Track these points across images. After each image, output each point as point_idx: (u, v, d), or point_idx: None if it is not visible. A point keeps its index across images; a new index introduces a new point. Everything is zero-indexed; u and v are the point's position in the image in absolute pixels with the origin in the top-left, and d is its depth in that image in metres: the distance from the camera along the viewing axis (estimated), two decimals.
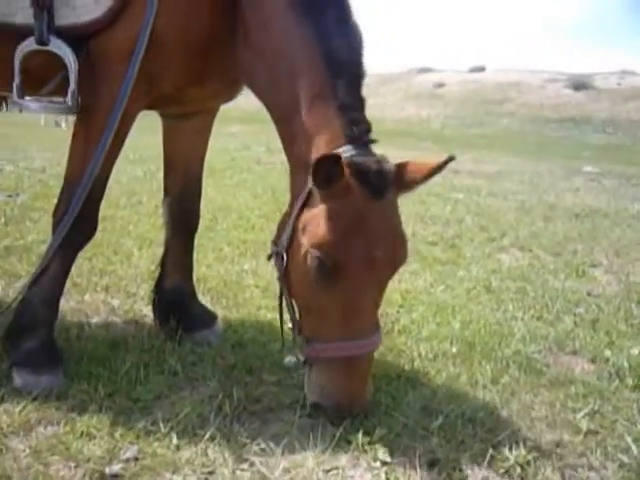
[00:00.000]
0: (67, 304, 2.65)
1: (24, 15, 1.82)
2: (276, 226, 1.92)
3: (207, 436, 1.75)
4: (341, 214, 1.70)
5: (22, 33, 1.83)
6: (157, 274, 2.54)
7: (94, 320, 2.61)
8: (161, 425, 1.78)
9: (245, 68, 1.99)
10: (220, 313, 2.69)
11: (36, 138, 11.09)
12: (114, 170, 2.02)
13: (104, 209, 2.15)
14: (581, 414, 2.03)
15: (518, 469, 1.71)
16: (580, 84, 29.18)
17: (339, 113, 1.77)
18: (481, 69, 35.08)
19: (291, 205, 1.86)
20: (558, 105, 27.43)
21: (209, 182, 4.71)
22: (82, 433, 1.73)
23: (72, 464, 1.60)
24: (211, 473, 1.62)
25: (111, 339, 2.37)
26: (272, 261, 1.94)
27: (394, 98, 31.17)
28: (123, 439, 1.72)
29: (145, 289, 2.91)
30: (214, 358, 2.27)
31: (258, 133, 13.71)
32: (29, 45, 1.84)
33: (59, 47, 1.83)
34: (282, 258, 1.84)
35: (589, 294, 3.48)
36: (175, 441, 1.72)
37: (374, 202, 1.71)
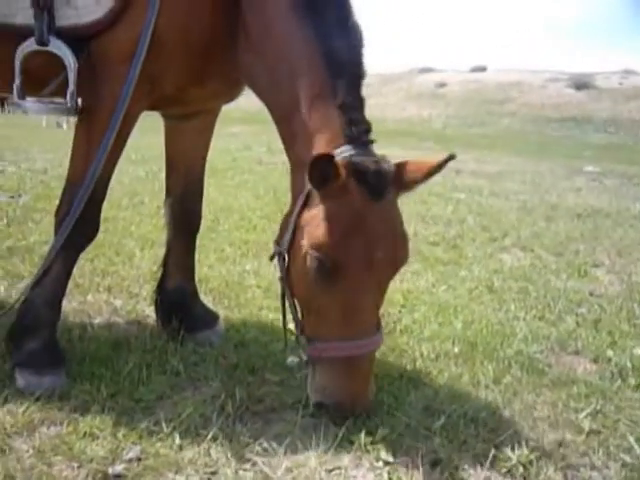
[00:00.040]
0: (69, 305, 2.65)
1: (24, 16, 1.82)
2: (278, 226, 1.92)
3: (210, 436, 1.75)
4: (340, 214, 1.70)
5: (22, 34, 1.84)
6: (159, 275, 2.54)
7: (96, 321, 2.61)
8: (164, 425, 1.79)
9: (246, 69, 1.99)
10: (222, 313, 2.69)
11: (38, 139, 11.10)
12: (116, 171, 2.03)
13: (106, 210, 2.15)
14: (583, 414, 2.03)
15: (520, 469, 1.71)
16: (582, 84, 29.16)
17: (339, 113, 1.77)
18: (482, 69, 35.08)
19: (292, 205, 1.86)
20: (559, 105, 27.41)
21: (211, 182, 4.70)
22: (85, 433, 1.74)
23: (75, 464, 1.61)
24: (214, 473, 1.62)
25: (113, 340, 2.37)
26: (275, 261, 1.94)
27: (395, 98, 31.18)
28: (126, 439, 1.72)
29: (147, 290, 2.91)
30: (216, 358, 2.28)
31: (259, 133, 13.72)
32: (29, 46, 1.84)
33: (59, 48, 1.83)
34: (284, 258, 1.84)
35: (591, 294, 3.47)
36: (178, 441, 1.73)
37: (373, 202, 1.71)
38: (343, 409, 1.81)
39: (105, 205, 2.05)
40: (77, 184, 1.91)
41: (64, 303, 2.14)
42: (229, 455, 1.69)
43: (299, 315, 1.88)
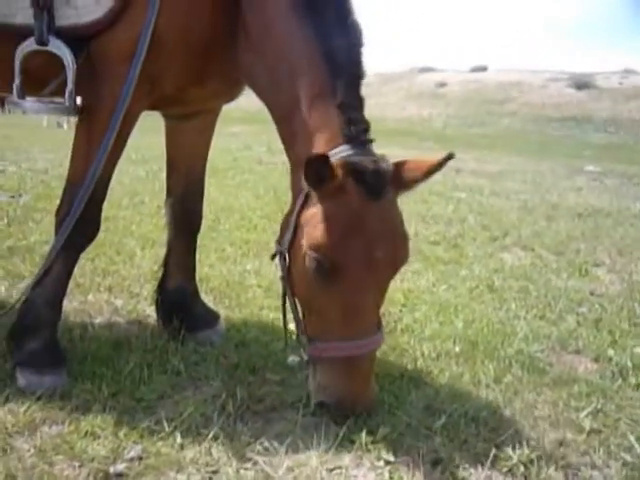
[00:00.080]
0: (70, 304, 2.65)
1: (24, 15, 1.82)
2: (278, 226, 1.92)
3: (211, 435, 1.75)
4: (338, 215, 1.70)
5: (22, 33, 1.84)
6: (160, 274, 2.54)
7: (97, 320, 2.61)
8: (165, 424, 1.79)
9: (246, 68, 1.99)
10: (223, 313, 2.69)
11: (38, 139, 11.11)
12: (116, 170, 2.03)
13: (106, 209, 2.15)
14: (584, 413, 2.03)
15: (521, 468, 1.71)
16: (582, 83, 29.14)
17: (338, 112, 1.77)
18: (483, 69, 35.06)
19: (292, 204, 1.86)
20: (560, 104, 27.39)
21: (211, 182, 4.71)
22: (86, 433, 1.74)
23: (76, 463, 1.61)
24: (215, 472, 1.63)
25: (114, 339, 2.37)
26: (276, 261, 1.94)
27: (396, 98, 31.17)
28: (127, 438, 1.73)
29: (148, 289, 2.91)
30: (217, 358, 2.28)
31: (259, 133, 13.72)
32: (29, 45, 1.84)
33: (58, 47, 1.83)
34: (284, 258, 1.84)
35: (592, 293, 3.47)
36: (179, 440, 1.73)
37: (371, 202, 1.70)
38: (344, 408, 1.81)
39: (105, 205, 2.05)
40: (77, 184, 1.91)
41: (65, 303, 2.14)
42: (230, 454, 1.69)
43: (300, 315, 1.88)
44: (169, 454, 1.67)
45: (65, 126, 14.68)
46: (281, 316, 2.01)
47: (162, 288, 2.51)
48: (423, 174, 1.76)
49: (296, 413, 1.91)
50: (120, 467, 1.60)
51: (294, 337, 1.98)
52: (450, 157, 1.73)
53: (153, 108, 2.18)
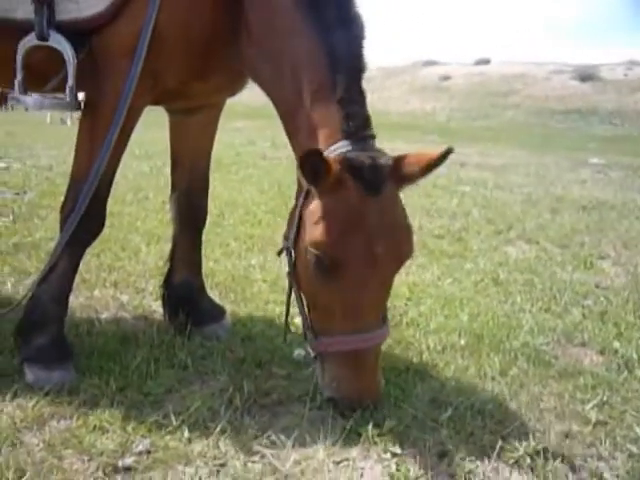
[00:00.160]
0: (76, 300, 2.67)
1: (25, 10, 1.82)
2: (283, 221, 1.92)
3: (218, 429, 1.76)
4: (337, 211, 1.69)
5: (23, 29, 1.84)
6: (166, 269, 2.55)
7: (104, 316, 2.62)
8: (172, 418, 1.80)
9: (249, 63, 1.99)
10: (228, 307, 2.70)
11: (42, 136, 11.13)
12: (120, 166, 2.03)
13: (111, 205, 2.16)
14: (590, 405, 2.03)
15: (527, 460, 1.71)
16: (586, 75, 29.00)
17: (338, 108, 1.76)
18: (486, 62, 34.92)
19: (296, 200, 1.86)
20: (564, 97, 27.28)
21: (215, 177, 4.71)
22: (95, 427, 1.75)
23: (85, 457, 1.62)
24: (223, 465, 1.64)
25: (121, 334, 2.38)
26: (283, 256, 1.94)
27: (399, 91, 31.09)
28: (135, 432, 1.74)
29: (154, 284, 2.92)
30: (223, 352, 2.28)
31: (263, 128, 13.71)
32: (30, 41, 1.84)
33: (59, 42, 1.83)
34: (291, 253, 1.85)
35: (597, 286, 3.47)
36: (187, 434, 1.74)
37: (370, 197, 1.69)
38: (351, 402, 1.82)
39: (110, 200, 2.05)
40: (81, 180, 1.91)
41: (71, 298, 2.16)
42: (237, 448, 1.70)
43: (306, 310, 1.88)
44: (177, 448, 1.68)
45: (69, 122, 14.71)
46: (284, 311, 2.01)
47: (168, 283, 2.52)
48: (423, 169, 1.73)
49: (303, 406, 1.91)
50: (128, 461, 1.61)
51: (299, 332, 1.98)
52: (449, 151, 1.70)
53: (156, 103, 2.18)
